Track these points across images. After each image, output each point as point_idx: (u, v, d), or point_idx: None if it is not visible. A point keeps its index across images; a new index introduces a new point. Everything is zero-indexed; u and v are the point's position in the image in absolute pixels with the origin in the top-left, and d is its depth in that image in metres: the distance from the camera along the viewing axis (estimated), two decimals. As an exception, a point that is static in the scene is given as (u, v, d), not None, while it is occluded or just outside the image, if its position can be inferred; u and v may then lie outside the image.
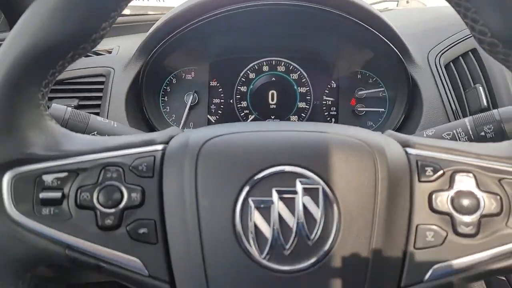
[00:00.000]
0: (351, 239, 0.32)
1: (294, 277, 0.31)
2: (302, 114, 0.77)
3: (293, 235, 0.31)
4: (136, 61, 0.69)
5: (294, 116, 0.77)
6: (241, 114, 0.77)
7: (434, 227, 0.33)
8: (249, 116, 0.77)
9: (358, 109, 0.75)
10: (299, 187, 0.32)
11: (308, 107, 0.77)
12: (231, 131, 0.35)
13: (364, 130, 0.37)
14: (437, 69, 0.67)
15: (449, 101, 0.65)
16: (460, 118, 0.63)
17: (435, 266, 0.32)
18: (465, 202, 0.32)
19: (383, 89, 0.75)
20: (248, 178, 0.32)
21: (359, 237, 0.32)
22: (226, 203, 0.32)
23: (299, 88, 0.77)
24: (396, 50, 0.67)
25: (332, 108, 0.76)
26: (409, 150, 0.35)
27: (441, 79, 0.66)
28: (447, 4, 0.33)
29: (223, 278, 0.32)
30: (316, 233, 0.31)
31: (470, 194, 0.33)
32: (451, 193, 0.33)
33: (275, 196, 0.32)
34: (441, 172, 0.33)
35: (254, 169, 0.32)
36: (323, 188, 0.32)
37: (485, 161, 0.33)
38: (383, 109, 0.74)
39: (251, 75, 0.77)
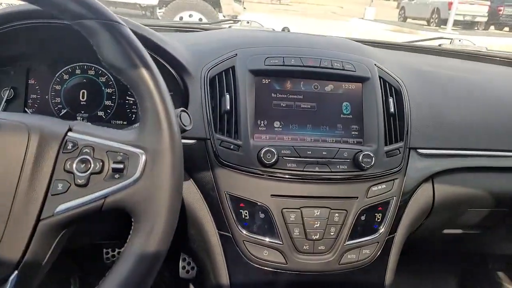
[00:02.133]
0: None
1: None
2: (108, 110, 0.94)
3: None
4: None
5: (101, 111, 0.93)
6: (55, 108, 0.92)
7: (63, 180, 0.50)
8: (62, 110, 0.92)
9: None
10: None
11: (113, 105, 0.94)
12: None
13: (43, 118, 0.55)
14: (204, 81, 0.86)
15: (206, 104, 0.84)
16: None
17: (61, 206, 0.50)
18: (82, 165, 0.51)
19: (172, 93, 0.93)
20: None
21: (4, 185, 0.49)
22: None
23: (106, 89, 0.93)
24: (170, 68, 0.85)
25: (133, 106, 0.94)
26: (69, 133, 0.53)
27: (204, 88, 0.85)
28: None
29: None
30: None
31: (86, 160, 0.51)
32: (77, 159, 0.51)
33: None
34: (76, 146, 0.51)
35: None
36: None
37: (104, 140, 0.52)
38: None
39: (65, 76, 0.92)
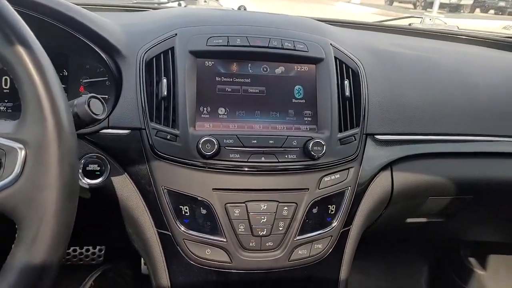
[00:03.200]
0: None
1: None
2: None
3: None
4: None
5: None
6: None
7: None
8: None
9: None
10: None
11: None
12: None
13: None
14: (139, 64, 0.77)
15: (141, 89, 0.76)
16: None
17: None
18: None
19: (106, 78, 0.84)
20: None
21: None
22: None
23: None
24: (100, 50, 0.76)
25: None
26: None
27: (140, 71, 0.77)
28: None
29: None
30: None
31: None
32: None
33: None
34: None
35: None
36: None
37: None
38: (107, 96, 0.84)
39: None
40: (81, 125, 0.58)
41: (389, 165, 0.87)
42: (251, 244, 0.76)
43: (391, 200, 0.88)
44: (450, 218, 1.03)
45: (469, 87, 0.95)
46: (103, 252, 1.43)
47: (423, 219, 1.03)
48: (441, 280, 1.62)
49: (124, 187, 0.77)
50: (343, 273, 0.83)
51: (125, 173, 0.77)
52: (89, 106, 0.54)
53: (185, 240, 0.75)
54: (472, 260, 1.54)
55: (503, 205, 1.05)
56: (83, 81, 0.83)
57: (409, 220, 1.03)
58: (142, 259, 1.03)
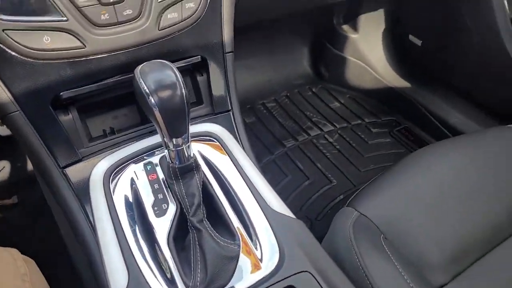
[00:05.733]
0: None
1: None
2: None
3: None
4: None
5: None
6: None
7: None
8: None
9: None
10: None
11: None
12: None
13: None
14: None
15: None
16: None
17: None
18: None
19: None
20: None
21: None
22: None
23: None
24: None
25: None
26: None
27: None
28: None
29: None
30: None
31: None
32: None
33: None
34: None
35: None
36: None
37: None
38: None
39: None
40: None
41: None
42: (103, 18, 0.58)
43: None
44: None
45: None
46: None
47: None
48: (320, 52, 1.68)
49: None
50: (226, 35, 0.72)
51: None
52: None
53: (5, 30, 0.54)
54: (344, 26, 1.59)
55: None
56: None
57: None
58: None
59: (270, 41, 1.67)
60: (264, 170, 1.27)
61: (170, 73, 0.50)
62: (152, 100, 0.49)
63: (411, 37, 1.46)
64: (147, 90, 0.49)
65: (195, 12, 0.66)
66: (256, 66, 1.64)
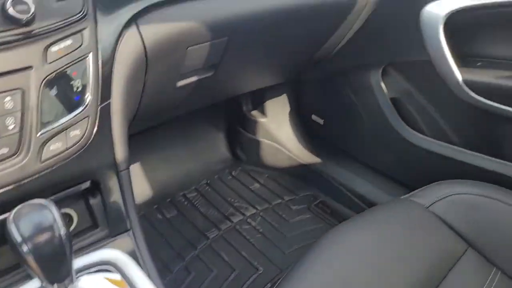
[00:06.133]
0: None
1: None
2: None
3: None
4: None
5: None
6: None
7: None
8: None
9: None
10: None
11: None
12: None
13: None
14: None
15: None
16: None
17: None
18: None
19: None
20: None
21: None
22: None
23: None
24: None
25: None
26: None
27: None
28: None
29: None
30: None
31: None
32: None
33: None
34: None
35: None
36: None
37: None
38: None
39: None
40: None
41: (134, 22, 0.75)
42: (-26, 159, 0.55)
43: (149, 60, 0.78)
44: (217, 71, 1.01)
45: None
46: None
47: (193, 78, 0.99)
48: (235, 137, 1.74)
49: None
50: (119, 154, 0.72)
51: None
52: None
53: None
54: (253, 112, 1.69)
55: (259, 47, 1.09)
56: None
57: (180, 83, 0.97)
58: None
59: (184, 132, 1.70)
60: (188, 269, 1.23)
61: (46, 215, 0.48)
62: (25, 249, 0.46)
63: (314, 117, 1.59)
64: (18, 239, 0.46)
65: (81, 139, 0.66)
66: (173, 158, 1.65)
